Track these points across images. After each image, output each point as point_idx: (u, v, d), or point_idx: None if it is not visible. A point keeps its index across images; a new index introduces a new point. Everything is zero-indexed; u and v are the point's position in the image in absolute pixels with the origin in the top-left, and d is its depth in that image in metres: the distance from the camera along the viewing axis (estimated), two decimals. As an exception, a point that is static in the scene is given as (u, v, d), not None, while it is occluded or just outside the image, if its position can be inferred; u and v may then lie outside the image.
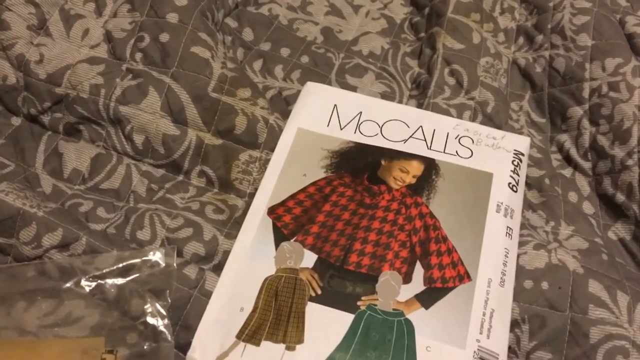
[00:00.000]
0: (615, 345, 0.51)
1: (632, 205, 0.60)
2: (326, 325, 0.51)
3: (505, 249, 0.55)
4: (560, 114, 0.68)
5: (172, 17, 0.62)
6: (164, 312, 0.50)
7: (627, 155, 0.61)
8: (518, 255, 0.56)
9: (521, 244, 0.57)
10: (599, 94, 0.65)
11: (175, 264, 0.53)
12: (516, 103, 0.71)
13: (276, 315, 0.51)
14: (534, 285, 0.54)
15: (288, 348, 0.50)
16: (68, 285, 0.50)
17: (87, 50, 0.63)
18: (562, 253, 0.56)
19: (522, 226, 0.59)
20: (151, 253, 0.53)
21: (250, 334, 0.50)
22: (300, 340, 0.50)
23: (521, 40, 0.75)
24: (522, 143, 0.62)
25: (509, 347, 0.52)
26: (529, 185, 0.63)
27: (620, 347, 0.51)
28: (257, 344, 0.50)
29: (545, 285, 0.54)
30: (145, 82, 0.60)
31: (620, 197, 0.61)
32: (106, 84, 0.61)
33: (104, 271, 0.51)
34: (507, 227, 0.56)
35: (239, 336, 0.50)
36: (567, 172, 0.65)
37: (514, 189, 0.58)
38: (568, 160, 0.66)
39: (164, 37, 0.62)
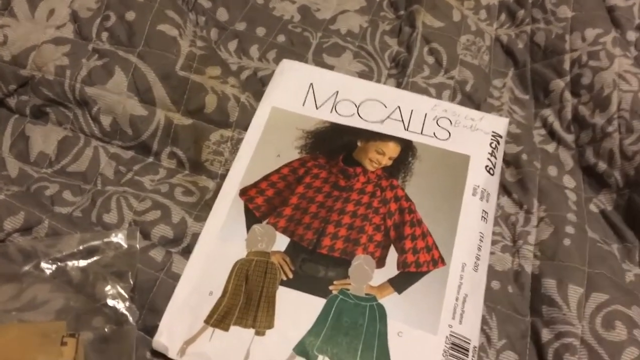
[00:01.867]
0: (563, 343, 0.50)
1: (614, 172, 0.59)
2: (297, 310, 0.50)
3: (480, 233, 0.54)
4: (542, 89, 0.67)
5: (139, -5, 0.61)
6: (125, 295, 0.49)
7: (607, 122, 0.60)
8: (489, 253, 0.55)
9: (491, 242, 0.56)
10: (579, 64, 0.64)
11: (137, 246, 0.52)
12: (499, 80, 0.69)
13: (246, 299, 0.50)
14: (500, 287, 0.54)
15: (257, 333, 0.49)
16: (27, 268, 0.49)
17: (52, 31, 0.61)
18: (524, 253, 0.56)
19: (494, 221, 0.58)
20: (113, 235, 0.52)
21: (219, 318, 0.49)
22: (270, 325, 0.49)
23: (503, 16, 0.74)
24: (500, 124, 0.60)
25: (480, 346, 0.51)
26: (506, 162, 0.62)
27: (568, 344, 0.50)
28: (226, 329, 0.49)
29: (510, 288, 0.54)
30: (111, 61, 0.59)
31: (602, 166, 0.60)
32: (72, 64, 0.59)
33: (65, 253, 0.50)
34: (483, 210, 0.55)
35: (207, 321, 0.49)
36: (551, 147, 0.64)
37: (491, 171, 0.57)
38: (552, 134, 0.65)
39: (130, 16, 0.60)
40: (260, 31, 0.71)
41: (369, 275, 0.51)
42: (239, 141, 0.60)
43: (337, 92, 0.62)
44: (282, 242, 0.53)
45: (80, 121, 0.60)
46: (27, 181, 0.57)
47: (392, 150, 0.58)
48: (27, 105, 0.61)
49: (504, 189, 0.61)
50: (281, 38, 0.70)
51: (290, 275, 0.51)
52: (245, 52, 0.69)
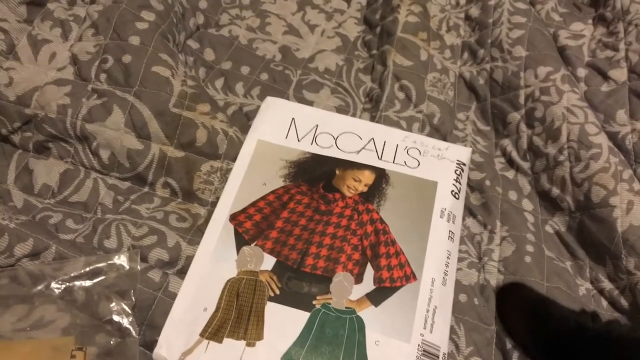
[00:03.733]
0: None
1: (566, 197, 0.66)
2: (284, 323, 0.54)
3: (448, 251, 0.59)
4: (501, 121, 0.74)
5: (134, 40, 0.66)
6: (128, 311, 0.54)
7: (558, 152, 0.67)
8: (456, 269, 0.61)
9: (458, 259, 0.62)
10: (532, 99, 0.71)
11: (138, 267, 0.56)
12: (463, 113, 0.76)
13: (237, 314, 0.55)
14: (467, 299, 0.60)
15: (248, 344, 0.53)
16: (39, 288, 0.53)
17: (54, 73, 0.66)
18: (489, 268, 0.62)
19: (461, 240, 0.63)
20: (116, 257, 0.56)
21: (213, 332, 0.54)
22: (260, 337, 0.54)
23: (466, 55, 0.81)
24: (464, 154, 0.66)
25: (449, 353, 0.57)
26: (471, 187, 0.68)
27: None
28: (220, 341, 0.53)
29: (476, 301, 0.60)
30: (109, 101, 0.64)
31: (556, 191, 0.67)
32: (73, 103, 0.63)
33: (72, 275, 0.54)
34: (450, 231, 0.61)
35: (202, 334, 0.54)
36: (510, 174, 0.71)
37: (456, 196, 0.63)
38: (511, 162, 0.71)
39: (127, 59, 0.65)
40: (245, 70, 0.76)
41: (349, 290, 0.56)
42: (228, 171, 0.65)
43: (317, 125, 0.68)
44: (269, 262, 0.58)
45: (80, 155, 0.64)
46: (32, 211, 0.61)
47: (368, 177, 0.64)
48: (30, 141, 0.64)
49: (470, 211, 0.66)
50: (264, 76, 0.76)
51: (277, 292, 0.56)
52: (231, 89, 0.74)
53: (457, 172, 0.65)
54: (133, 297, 0.54)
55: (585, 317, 0.34)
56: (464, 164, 0.66)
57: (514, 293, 0.36)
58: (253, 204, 0.62)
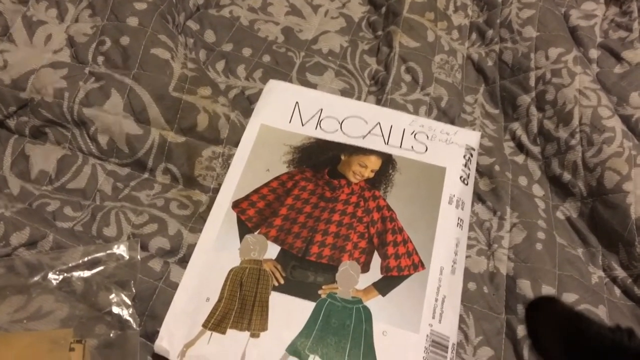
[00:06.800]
0: None
1: (578, 182, 0.64)
2: (289, 313, 0.53)
3: (457, 238, 0.58)
4: (511, 104, 0.72)
5: (132, 21, 0.64)
6: (129, 302, 0.52)
7: (570, 136, 0.65)
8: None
9: (467, 247, 0.60)
10: (543, 81, 0.69)
11: (139, 257, 0.55)
12: (471, 96, 0.74)
13: (241, 304, 0.53)
14: (476, 287, 0.58)
15: (252, 335, 0.52)
16: (36, 279, 0.52)
17: (50, 55, 0.64)
18: (499, 256, 0.60)
19: (470, 227, 0.62)
20: (115, 247, 0.55)
21: (216, 322, 0.53)
22: (264, 328, 0.52)
23: (474, 36, 0.78)
24: (473, 138, 0.65)
25: (459, 343, 0.55)
26: (480, 172, 0.66)
27: None
28: (223, 332, 0.52)
29: (485, 289, 0.58)
30: (107, 84, 0.62)
31: (567, 176, 0.65)
32: (70, 87, 0.62)
33: (71, 265, 0.53)
34: (459, 218, 0.59)
35: (205, 325, 0.53)
36: (520, 158, 0.69)
37: (465, 182, 0.61)
38: (520, 147, 0.70)
39: (125, 40, 0.63)
40: (246, 52, 0.74)
41: (355, 279, 0.55)
42: (230, 157, 0.63)
43: (321, 109, 0.66)
44: (273, 250, 0.57)
45: (78, 140, 0.63)
46: (28, 198, 0.59)
47: (374, 163, 0.62)
48: (26, 126, 0.63)
49: (479, 197, 0.65)
50: (266, 58, 0.74)
51: (282, 281, 0.55)
52: (232, 71, 0.72)
53: (466, 157, 0.63)
54: (133, 288, 0.53)
55: (621, 334, 0.33)
56: (473, 149, 0.64)
57: (544, 308, 0.35)
58: (256, 191, 0.60)
